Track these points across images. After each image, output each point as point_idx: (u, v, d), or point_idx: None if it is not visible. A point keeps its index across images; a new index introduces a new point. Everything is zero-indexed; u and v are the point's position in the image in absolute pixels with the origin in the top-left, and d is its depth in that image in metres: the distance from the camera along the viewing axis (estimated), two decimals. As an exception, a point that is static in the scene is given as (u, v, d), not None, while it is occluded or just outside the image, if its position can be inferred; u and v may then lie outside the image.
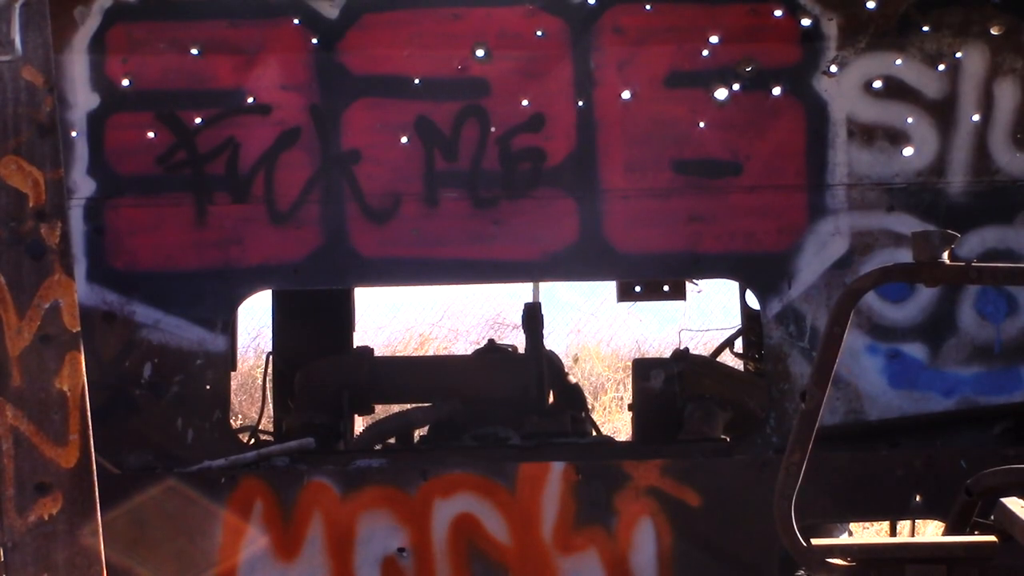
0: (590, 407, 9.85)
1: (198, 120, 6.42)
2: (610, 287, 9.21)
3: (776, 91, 6.44)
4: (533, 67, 6.47)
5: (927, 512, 6.42)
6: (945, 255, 4.55)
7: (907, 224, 6.32)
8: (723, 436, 7.03)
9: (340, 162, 6.42)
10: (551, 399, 7.64)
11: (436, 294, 19.36)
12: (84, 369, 4.68)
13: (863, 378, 6.37)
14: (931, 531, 9.34)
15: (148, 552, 6.08)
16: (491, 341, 8.15)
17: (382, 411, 8.50)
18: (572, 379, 8.21)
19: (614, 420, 15.07)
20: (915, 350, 6.39)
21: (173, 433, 6.32)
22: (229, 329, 6.62)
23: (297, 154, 6.42)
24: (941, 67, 6.42)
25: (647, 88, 6.45)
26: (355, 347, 8.48)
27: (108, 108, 6.38)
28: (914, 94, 6.42)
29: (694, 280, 8.81)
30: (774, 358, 6.40)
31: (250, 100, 6.44)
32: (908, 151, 6.42)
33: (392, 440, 7.38)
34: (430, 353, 17.37)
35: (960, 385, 6.39)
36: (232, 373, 6.99)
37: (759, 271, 6.45)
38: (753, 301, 7.90)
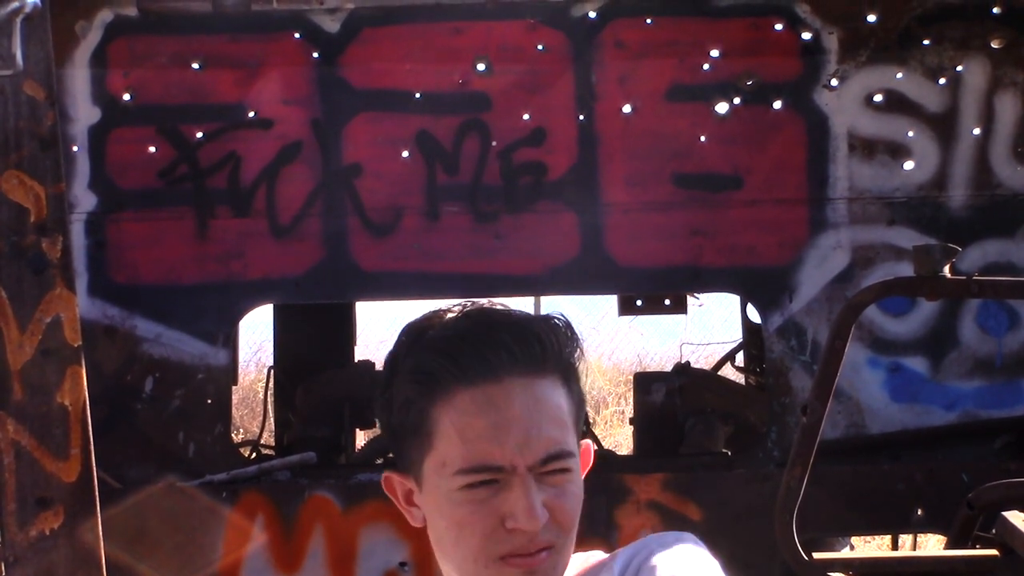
0: (591, 421, 9.84)
1: (199, 134, 6.42)
2: (611, 301, 9.22)
3: (777, 105, 6.44)
4: (534, 81, 6.47)
5: (928, 526, 6.41)
6: (946, 269, 4.56)
7: (908, 238, 6.32)
8: (724, 450, 7.03)
9: (341, 176, 6.42)
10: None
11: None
12: (85, 383, 4.68)
13: (864, 392, 6.36)
14: (932, 545, 9.33)
15: (148, 553, 6.08)
16: (493, 355, 8.13)
17: (383, 425, 8.50)
18: (573, 393, 8.20)
19: (615, 434, 15.05)
20: (916, 364, 6.39)
21: (175, 447, 6.32)
22: (230, 343, 6.62)
23: (298, 168, 6.42)
24: (942, 81, 6.42)
25: (648, 102, 6.46)
26: (356, 361, 8.48)
27: (109, 122, 6.38)
28: (915, 108, 6.43)
29: (695, 294, 8.81)
30: (775, 372, 6.39)
31: (251, 114, 6.44)
32: (909, 165, 6.42)
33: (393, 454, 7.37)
34: (431, 367, 17.35)
35: (961, 399, 6.39)
36: (233, 387, 6.99)
37: (760, 285, 6.45)
38: (754, 315, 7.90)
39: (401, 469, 2.34)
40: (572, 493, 2.24)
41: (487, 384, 2.19)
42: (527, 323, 2.24)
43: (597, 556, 2.39)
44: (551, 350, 2.23)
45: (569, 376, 2.28)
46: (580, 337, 2.30)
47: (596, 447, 7.93)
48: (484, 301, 2.31)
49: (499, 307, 2.28)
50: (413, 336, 2.28)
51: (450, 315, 2.28)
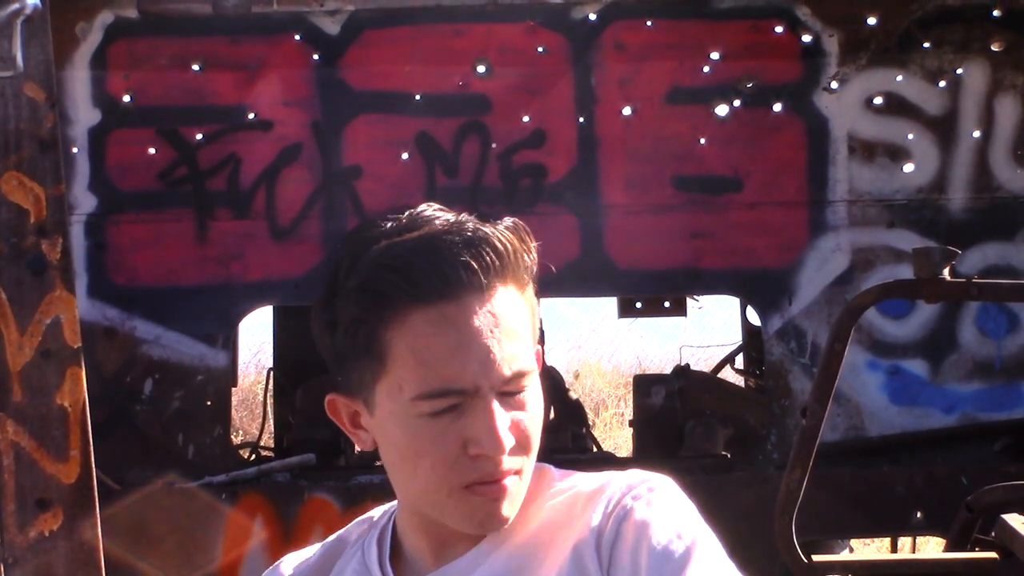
0: (591, 423, 9.84)
1: (199, 136, 6.42)
2: (611, 303, 9.22)
3: (777, 107, 6.44)
4: (534, 83, 6.47)
5: (928, 528, 6.41)
6: (946, 271, 4.55)
7: (908, 240, 6.31)
8: (724, 452, 7.03)
9: (341, 178, 6.42)
10: (552, 415, 7.63)
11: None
12: (85, 385, 4.68)
13: (864, 394, 6.36)
14: (932, 548, 9.33)
15: (147, 555, 6.07)
16: (492, 357, 8.11)
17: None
18: (573, 395, 8.19)
19: (615, 436, 15.05)
20: (916, 366, 6.39)
21: (174, 448, 6.32)
22: (230, 345, 6.61)
23: (298, 170, 6.42)
24: (942, 83, 6.42)
25: (648, 104, 6.45)
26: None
27: (109, 124, 6.38)
28: (915, 110, 6.43)
29: (695, 296, 8.81)
30: (775, 374, 6.39)
31: (251, 116, 6.44)
32: (909, 167, 6.42)
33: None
34: (431, 369, 17.30)
35: (961, 401, 6.38)
36: (233, 389, 6.98)
37: (760, 287, 6.45)
38: (754, 317, 7.90)
39: (346, 392, 2.18)
40: (536, 412, 2.13)
41: (443, 302, 2.05)
42: (482, 234, 2.10)
43: (550, 481, 2.25)
44: (508, 260, 2.12)
45: (525, 283, 2.18)
46: (532, 240, 2.19)
47: (596, 448, 7.93)
48: (424, 206, 2.19)
49: (444, 214, 2.15)
50: (357, 250, 2.11)
51: (390, 224, 2.14)
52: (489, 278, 2.09)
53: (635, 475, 2.18)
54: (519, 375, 2.09)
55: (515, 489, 2.12)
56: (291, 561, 2.42)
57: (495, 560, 2.16)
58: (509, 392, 2.09)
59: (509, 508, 2.12)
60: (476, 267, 2.07)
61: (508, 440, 2.07)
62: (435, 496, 2.12)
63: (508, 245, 2.12)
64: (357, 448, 8.27)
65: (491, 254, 2.09)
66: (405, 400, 2.08)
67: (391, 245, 2.09)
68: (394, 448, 2.14)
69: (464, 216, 2.14)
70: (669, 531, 2.08)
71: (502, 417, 2.07)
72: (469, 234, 2.10)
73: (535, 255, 2.20)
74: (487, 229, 2.12)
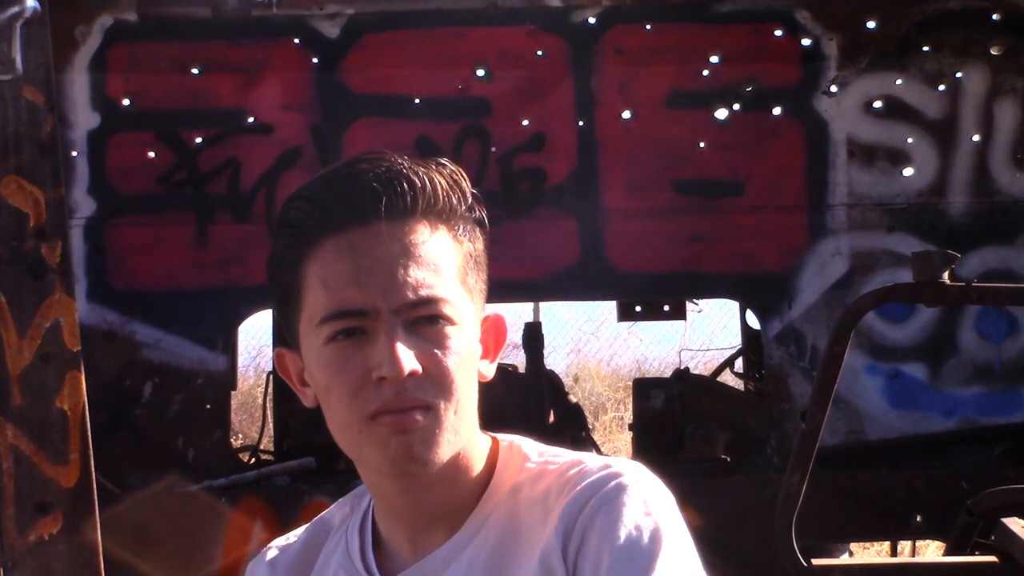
0: (591, 427, 9.83)
1: (199, 140, 6.41)
2: (610, 307, 9.21)
3: (776, 111, 6.43)
4: (534, 87, 6.46)
5: (928, 532, 6.41)
6: (946, 275, 4.56)
7: (908, 244, 6.31)
8: (723, 456, 7.02)
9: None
10: (551, 419, 7.62)
11: (437, 313, 19.24)
12: (84, 388, 4.68)
13: (864, 398, 6.36)
14: (931, 552, 9.32)
15: (146, 557, 6.07)
16: (491, 360, 8.09)
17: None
18: (572, 398, 8.18)
19: (614, 440, 15.03)
20: (916, 370, 6.39)
21: (174, 452, 6.31)
22: (230, 348, 6.60)
23: (298, 173, 6.40)
24: (941, 87, 6.42)
25: (648, 108, 6.45)
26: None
27: (109, 127, 6.37)
28: (915, 114, 6.42)
29: (695, 300, 8.80)
30: (774, 378, 6.39)
31: (251, 120, 6.43)
32: (908, 171, 6.41)
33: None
34: (431, 372, 17.26)
35: (961, 405, 6.38)
36: (233, 392, 6.97)
37: (759, 291, 6.45)
38: (753, 321, 7.90)
39: (290, 345, 2.15)
40: (452, 349, 2.04)
41: (352, 230, 2.02)
42: (397, 167, 2.06)
43: (524, 461, 2.18)
44: (427, 196, 2.05)
45: (456, 226, 2.11)
46: (469, 187, 2.14)
47: (595, 451, 7.91)
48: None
49: (386, 156, 2.09)
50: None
51: None
52: (401, 208, 2.04)
53: (606, 469, 2.11)
54: (427, 301, 2.03)
55: (429, 427, 2.04)
56: (276, 548, 2.36)
57: (474, 555, 2.10)
58: (420, 324, 2.03)
59: (426, 449, 2.04)
60: (384, 195, 2.03)
61: (409, 362, 1.99)
62: (348, 434, 2.06)
63: (428, 181, 2.07)
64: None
65: (404, 186, 2.04)
66: (313, 329, 2.05)
67: (311, 180, 2.11)
68: (317, 389, 2.10)
69: (401, 157, 2.10)
70: (632, 536, 2.03)
71: (404, 341, 2.01)
72: (385, 165, 2.06)
73: (470, 200, 2.15)
74: (406, 164, 2.07)
